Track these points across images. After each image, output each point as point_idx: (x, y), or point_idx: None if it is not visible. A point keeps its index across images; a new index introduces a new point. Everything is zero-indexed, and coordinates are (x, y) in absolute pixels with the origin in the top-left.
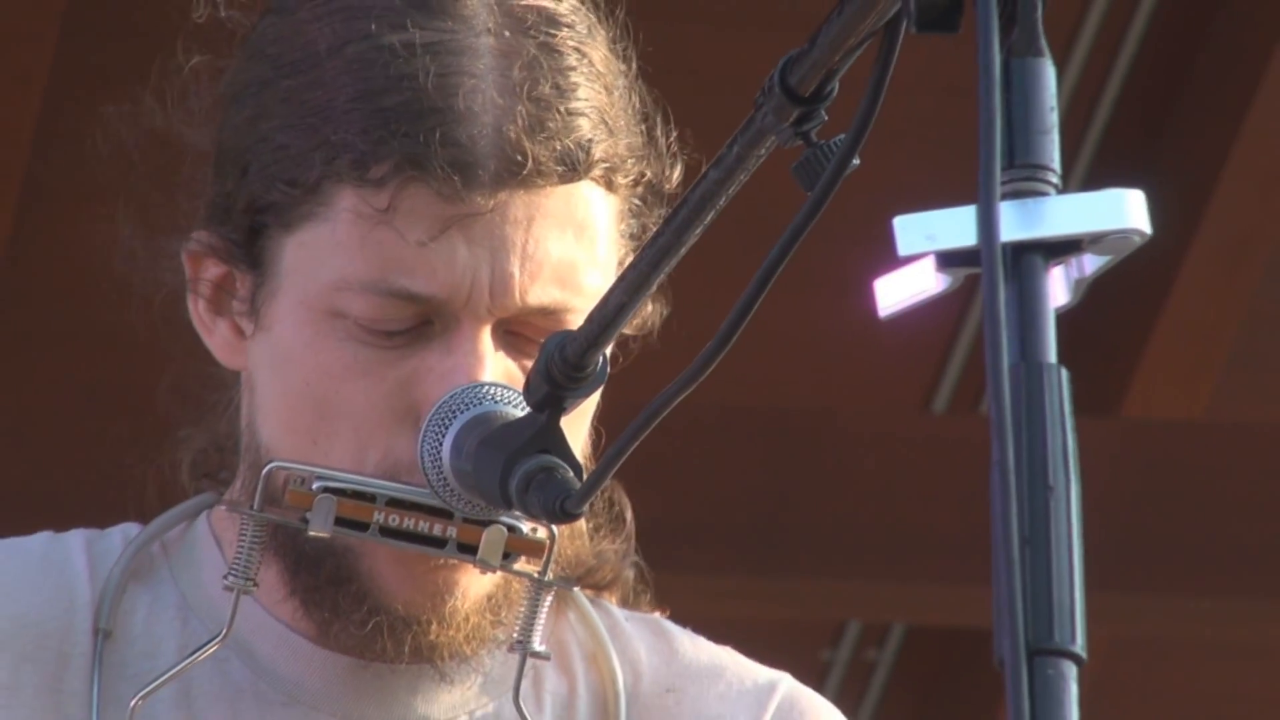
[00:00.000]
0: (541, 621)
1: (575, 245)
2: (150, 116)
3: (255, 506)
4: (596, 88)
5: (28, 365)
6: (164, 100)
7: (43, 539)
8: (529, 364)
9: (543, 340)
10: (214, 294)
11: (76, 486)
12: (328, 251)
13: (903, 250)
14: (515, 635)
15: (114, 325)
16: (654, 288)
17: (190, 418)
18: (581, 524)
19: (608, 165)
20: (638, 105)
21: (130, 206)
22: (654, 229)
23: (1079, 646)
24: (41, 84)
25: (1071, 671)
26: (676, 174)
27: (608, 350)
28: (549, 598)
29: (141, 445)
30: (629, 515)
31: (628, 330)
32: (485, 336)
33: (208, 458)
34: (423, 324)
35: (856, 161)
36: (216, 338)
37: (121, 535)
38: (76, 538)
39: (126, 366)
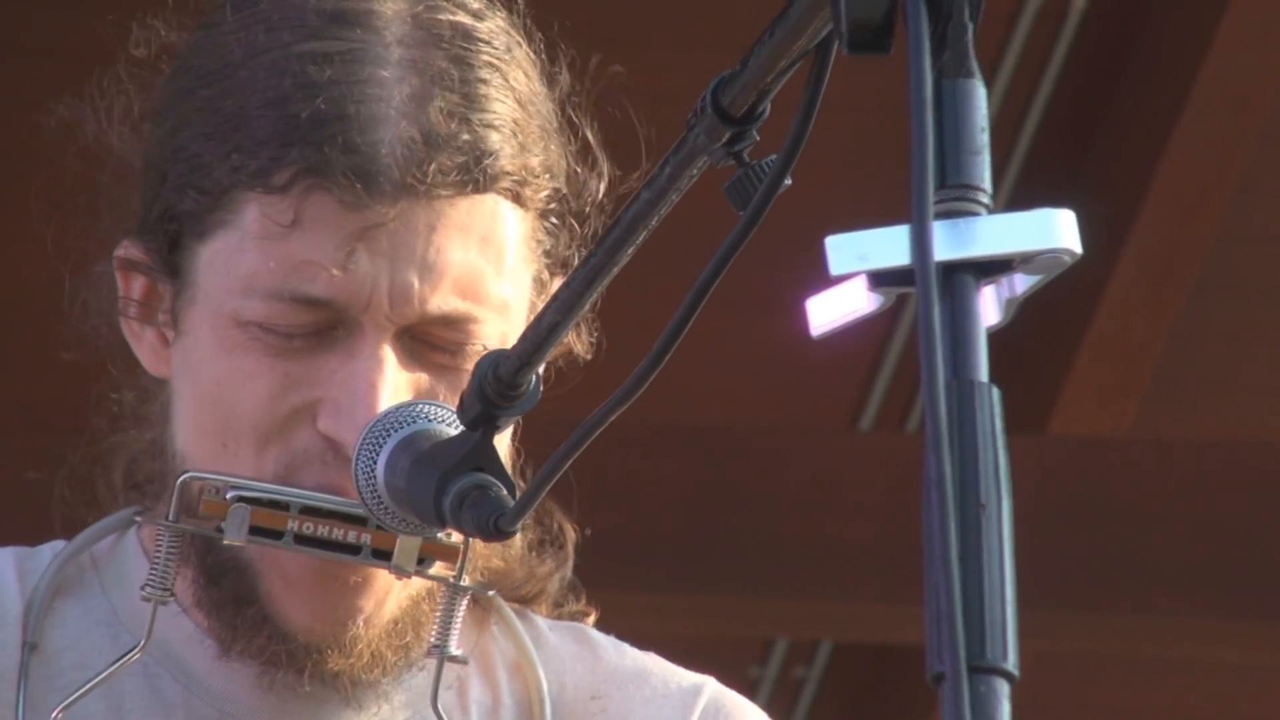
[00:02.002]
0: (457, 626)
1: (479, 256)
2: (81, 132)
3: (171, 517)
4: (509, 103)
5: None
6: (96, 115)
7: None
8: (434, 375)
9: (448, 349)
10: (141, 304)
11: (11, 504)
12: (234, 258)
13: (835, 270)
14: (432, 640)
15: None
16: (586, 307)
17: (122, 428)
18: (516, 540)
19: (516, 179)
20: (559, 124)
21: (62, 222)
22: (576, 246)
23: (1011, 664)
24: None
25: (1004, 689)
26: (601, 190)
27: (540, 369)
28: (464, 602)
29: (72, 462)
30: (569, 535)
31: (558, 363)
32: (386, 344)
33: (140, 467)
34: (326, 329)
35: (788, 181)
36: (144, 346)
37: (51, 551)
38: (6, 555)
39: (60, 384)
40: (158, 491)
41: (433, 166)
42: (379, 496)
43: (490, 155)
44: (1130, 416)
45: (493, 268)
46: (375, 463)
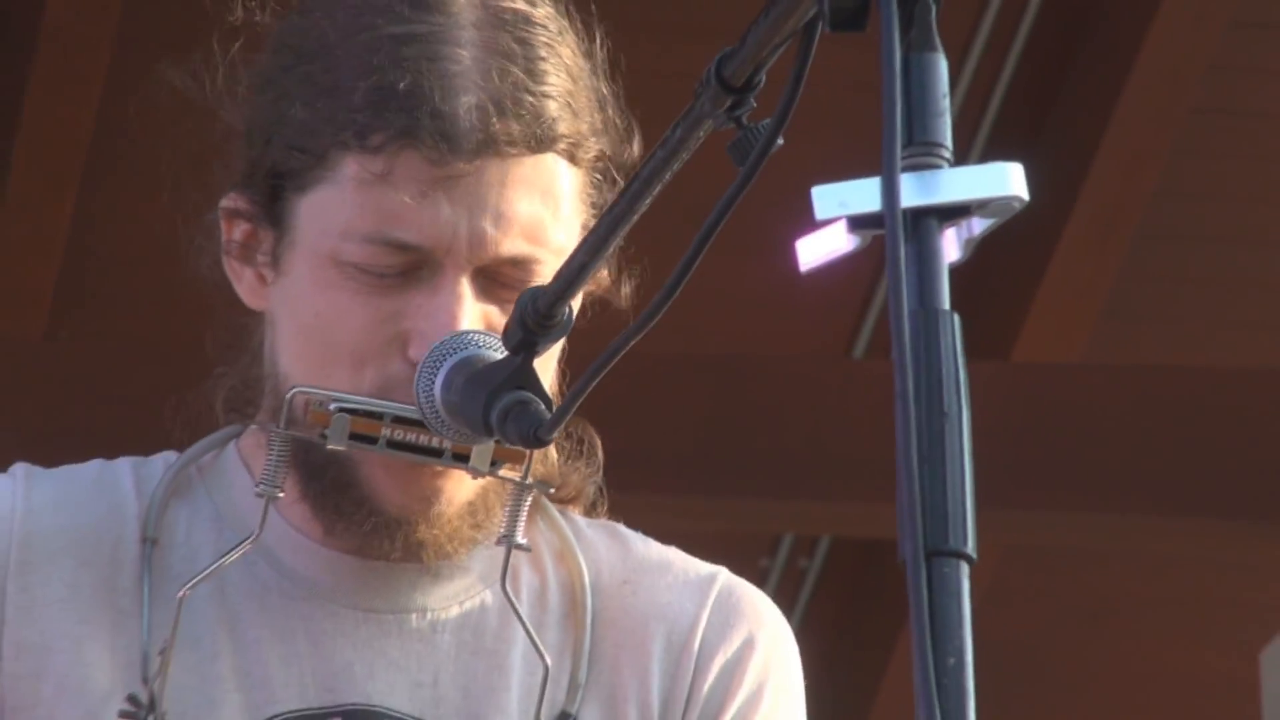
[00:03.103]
0: (523, 519)
1: (541, 206)
2: (193, 103)
3: (281, 426)
4: (563, 76)
5: (95, 322)
6: (204, 87)
7: (96, 465)
8: (501, 308)
9: (514, 286)
10: (242, 248)
11: (131, 423)
12: (333, 209)
13: (819, 215)
14: (501, 531)
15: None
16: (611, 249)
17: (226, 360)
18: (552, 450)
19: (571, 141)
20: (602, 95)
21: (178, 181)
22: (612, 199)
23: (970, 548)
24: (100, 86)
25: (963, 570)
26: (636, 151)
27: (574, 302)
28: (528, 499)
29: (185, 387)
30: (599, 446)
31: (595, 290)
32: (464, 281)
33: (237, 394)
34: (412, 269)
35: (780, 141)
36: (244, 284)
37: (162, 460)
38: (124, 463)
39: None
40: (253, 412)
41: (503, 130)
42: (436, 410)
43: (550, 120)
44: (1082, 345)
45: (552, 216)
46: (434, 382)
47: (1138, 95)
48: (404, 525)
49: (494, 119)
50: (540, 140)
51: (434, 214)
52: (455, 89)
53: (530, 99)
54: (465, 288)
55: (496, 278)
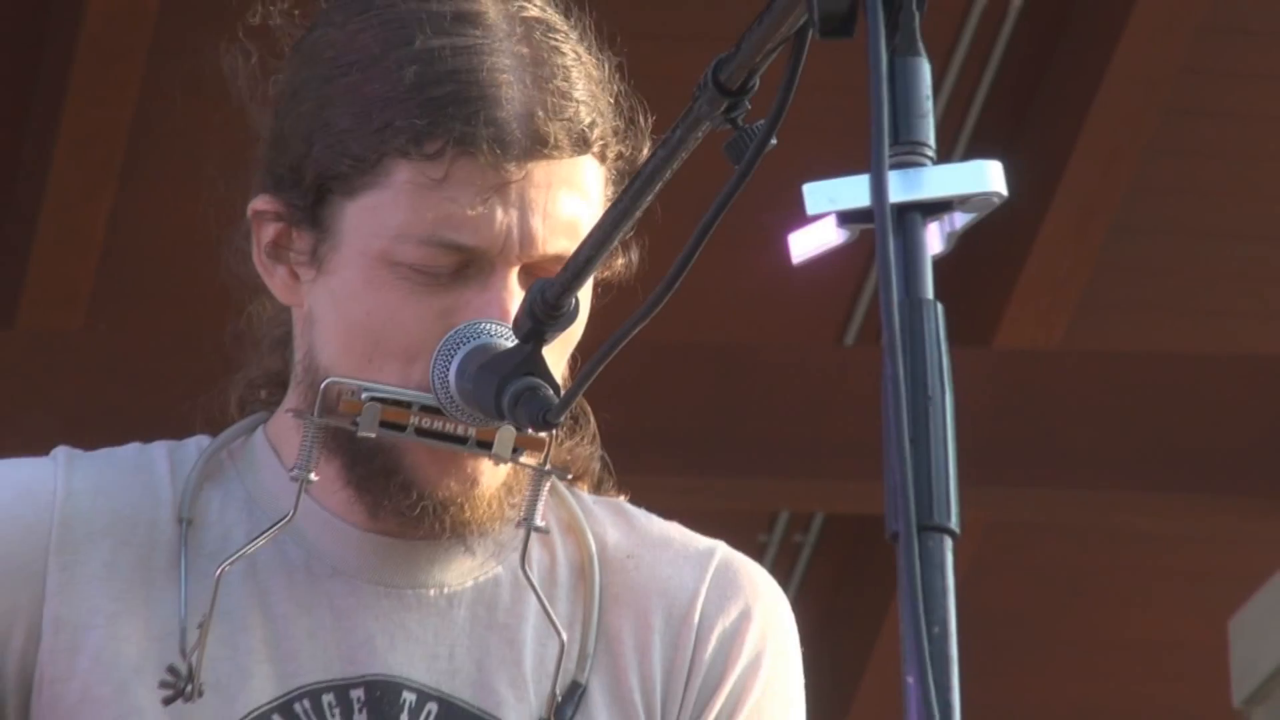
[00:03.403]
0: (542, 503)
1: (582, 205)
2: (227, 107)
3: (316, 414)
4: (590, 83)
5: (130, 314)
6: (234, 95)
7: (133, 448)
8: None
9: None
10: (273, 246)
11: (164, 409)
12: (387, 212)
13: (810, 210)
14: (521, 514)
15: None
16: (615, 243)
17: (249, 354)
18: (562, 433)
19: (603, 143)
20: (619, 98)
21: (212, 182)
22: (616, 196)
23: (953, 523)
24: (134, 93)
25: (947, 543)
26: (646, 149)
27: (581, 293)
28: (548, 484)
29: (214, 375)
30: (592, 423)
31: (606, 274)
32: (513, 277)
33: (256, 385)
34: (462, 267)
35: (774, 141)
36: (276, 280)
37: (195, 444)
38: (159, 447)
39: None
40: (274, 401)
41: (549, 135)
42: (452, 396)
43: (586, 124)
44: (1061, 332)
45: (589, 214)
46: (448, 370)
47: (1111, 97)
48: (450, 507)
49: (541, 125)
50: (579, 143)
51: (489, 217)
52: (504, 98)
53: (569, 105)
54: (514, 282)
55: (537, 271)
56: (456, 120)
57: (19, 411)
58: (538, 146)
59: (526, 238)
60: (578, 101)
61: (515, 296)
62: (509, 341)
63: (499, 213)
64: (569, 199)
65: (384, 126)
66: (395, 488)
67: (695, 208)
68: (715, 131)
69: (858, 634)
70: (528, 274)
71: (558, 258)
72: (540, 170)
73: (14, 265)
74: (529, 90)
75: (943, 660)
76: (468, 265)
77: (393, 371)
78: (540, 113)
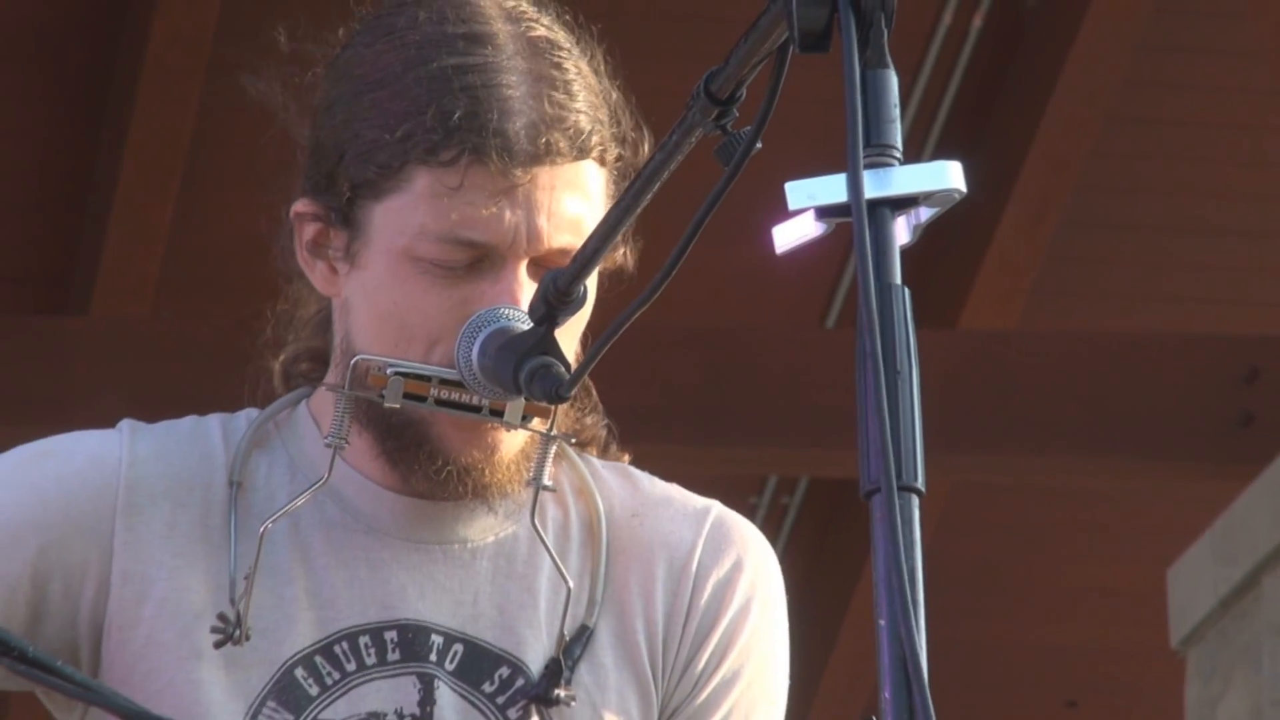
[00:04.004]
0: (549, 464)
1: (583, 204)
2: (275, 118)
3: (346, 387)
4: (590, 93)
5: (192, 304)
6: (280, 110)
7: (190, 420)
8: None
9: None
10: (314, 244)
11: (222, 387)
12: (409, 214)
13: (792, 205)
14: (530, 475)
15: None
16: (619, 236)
17: (296, 332)
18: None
19: (602, 148)
20: (619, 106)
21: (264, 185)
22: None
23: (920, 483)
24: (195, 106)
25: (914, 501)
26: (646, 151)
27: (588, 281)
28: (553, 447)
29: (264, 359)
30: (594, 396)
31: (607, 267)
32: (522, 269)
33: (298, 362)
34: (476, 261)
35: (759, 145)
36: (317, 275)
37: (245, 417)
38: (214, 419)
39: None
40: (316, 377)
41: (552, 143)
42: (474, 372)
43: (585, 132)
44: (1018, 314)
45: (590, 212)
46: (472, 349)
47: (1061, 107)
48: (472, 471)
49: (544, 135)
50: (580, 150)
51: (499, 217)
52: (511, 111)
53: (570, 116)
54: (523, 275)
55: (544, 264)
56: (469, 132)
57: (92, 390)
58: (542, 154)
59: (533, 234)
60: (578, 111)
61: (524, 287)
62: (525, 325)
63: (508, 213)
64: (571, 199)
65: (405, 138)
66: (424, 456)
67: (689, 205)
68: (707, 136)
69: (838, 583)
70: (536, 267)
71: (562, 251)
72: (544, 174)
73: (88, 259)
74: (533, 103)
75: (910, 605)
76: (481, 260)
77: (417, 353)
78: (543, 123)
